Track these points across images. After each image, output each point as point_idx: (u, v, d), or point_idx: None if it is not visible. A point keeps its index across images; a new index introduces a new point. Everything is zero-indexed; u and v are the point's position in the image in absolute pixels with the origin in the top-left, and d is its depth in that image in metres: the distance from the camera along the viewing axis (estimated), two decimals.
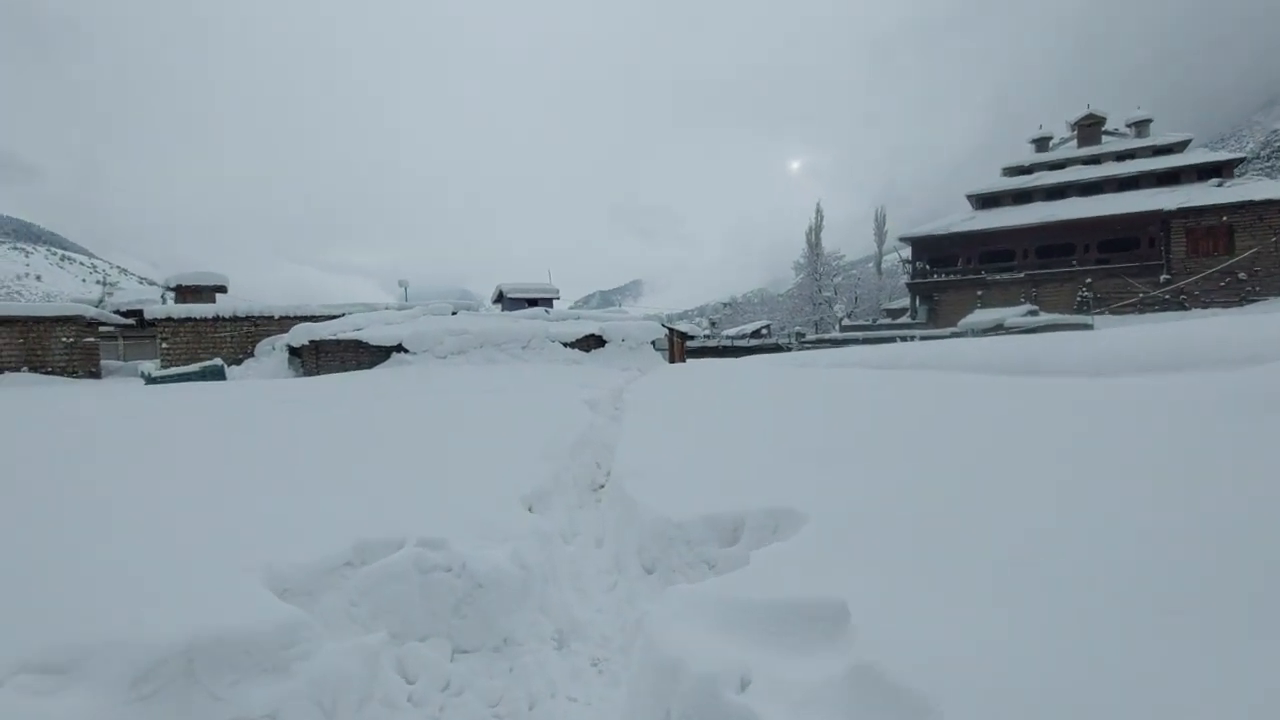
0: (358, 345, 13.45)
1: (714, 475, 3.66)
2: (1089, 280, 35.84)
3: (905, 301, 52.93)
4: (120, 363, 26.31)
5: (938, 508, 2.54)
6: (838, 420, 4.68)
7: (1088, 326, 32.08)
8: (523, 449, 4.46)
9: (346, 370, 13.11)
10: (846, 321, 46.75)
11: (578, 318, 17.80)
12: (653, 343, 17.66)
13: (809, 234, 55.62)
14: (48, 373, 20.58)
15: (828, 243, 55.05)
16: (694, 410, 6.07)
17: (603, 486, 4.54)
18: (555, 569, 3.27)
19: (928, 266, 41.22)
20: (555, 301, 26.68)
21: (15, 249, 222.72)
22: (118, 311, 25.00)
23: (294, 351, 15.35)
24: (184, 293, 24.61)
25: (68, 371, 20.71)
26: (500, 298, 27.02)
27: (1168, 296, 34.12)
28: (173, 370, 15.95)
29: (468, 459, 4.30)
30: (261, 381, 13.37)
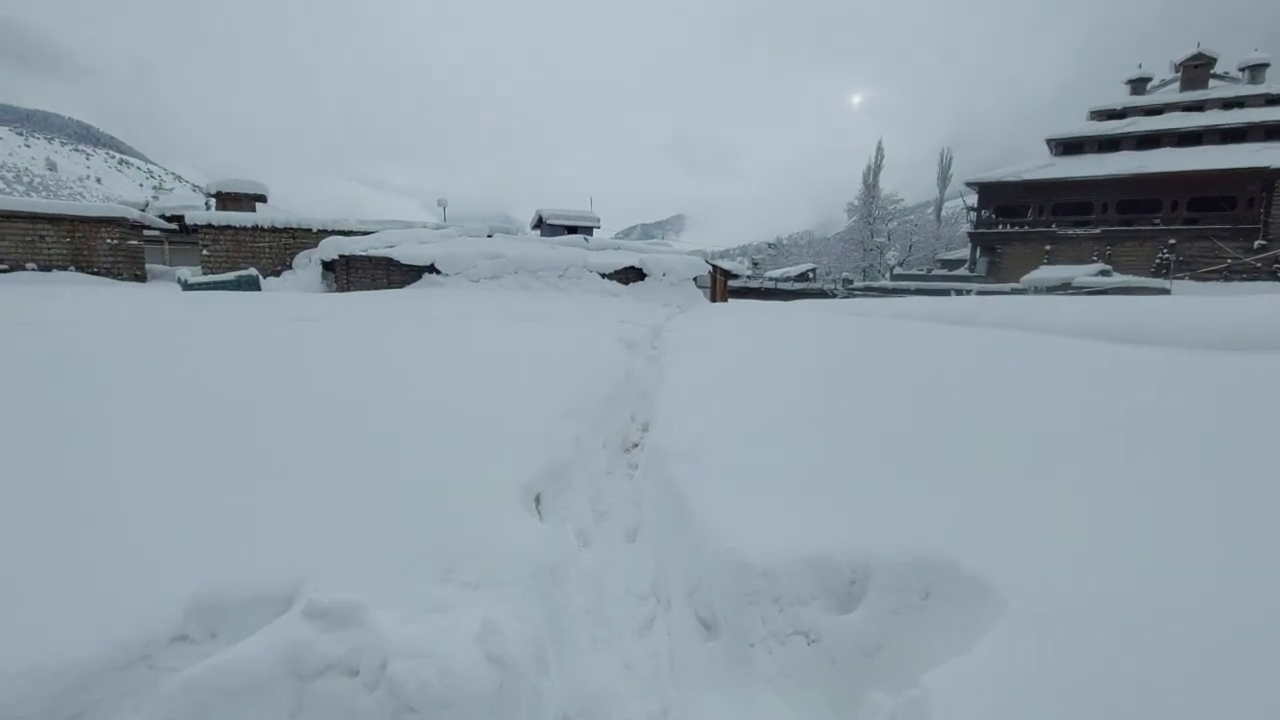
0: (389, 263, 12.98)
1: (796, 466, 2.58)
2: (1172, 241, 32.95)
3: (963, 253, 50.08)
4: (165, 267, 26.45)
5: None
6: (947, 394, 3.55)
7: (1165, 292, 29.74)
8: (544, 400, 3.67)
9: (377, 288, 12.71)
10: (899, 270, 44.57)
11: (617, 248, 16.96)
12: (694, 279, 16.78)
13: (866, 174, 52.71)
14: (94, 273, 20.85)
15: (886, 185, 52.14)
16: (748, 361, 5.33)
17: (637, 445, 3.89)
18: (564, 627, 2.12)
19: (994, 216, 38.53)
20: (596, 230, 25.77)
21: (77, 150, 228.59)
22: (163, 216, 25.09)
23: (327, 266, 14.99)
24: (225, 200, 24.46)
25: (113, 273, 20.93)
26: (539, 223, 26.21)
27: (1259, 265, 31.24)
28: (209, 278, 15.85)
29: (471, 414, 3.34)
30: (292, 294, 13.10)
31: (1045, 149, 39.38)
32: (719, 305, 15.79)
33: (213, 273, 20.81)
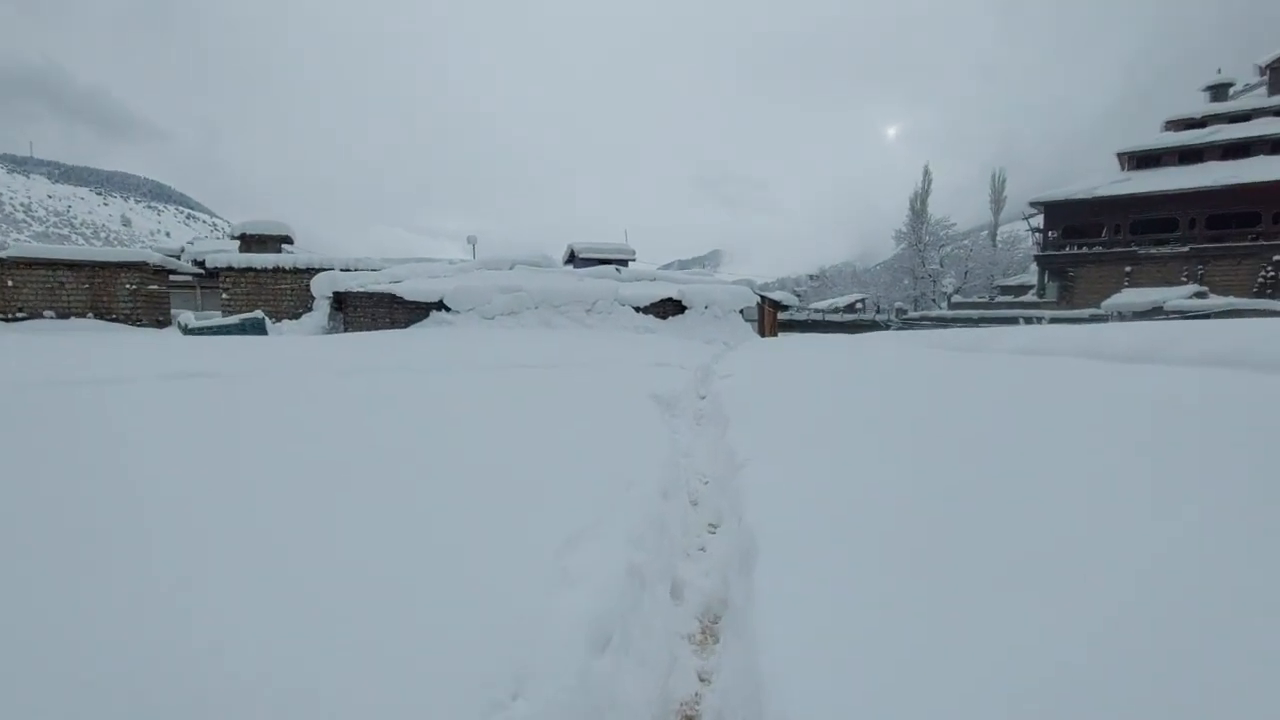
0: (392, 300, 11.48)
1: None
2: (1277, 258, 29.43)
3: (1025, 279, 46.76)
4: (196, 312, 25.74)
5: None
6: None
7: (1276, 314, 26.24)
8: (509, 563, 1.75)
9: (379, 327, 11.23)
10: (957, 298, 41.67)
11: (653, 279, 15.20)
12: (741, 311, 14.81)
13: (914, 200, 50.50)
14: (112, 319, 20.15)
15: (934, 211, 49.64)
16: (858, 430, 3.33)
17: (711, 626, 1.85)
18: None
19: (1060, 237, 35.51)
20: (631, 263, 24.22)
21: (150, 207, 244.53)
22: (195, 262, 24.66)
23: (337, 306, 13.68)
24: (249, 241, 23.85)
25: (132, 319, 20.20)
26: (572, 258, 24.82)
27: None
28: (211, 322, 14.73)
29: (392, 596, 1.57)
30: (292, 338, 11.72)
31: (1103, 168, 36.41)
32: (771, 340, 13.75)
33: (235, 314, 19.76)
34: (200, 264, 23.59)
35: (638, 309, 13.24)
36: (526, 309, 11.66)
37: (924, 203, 50.12)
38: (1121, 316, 29.72)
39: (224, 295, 22.39)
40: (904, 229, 50.25)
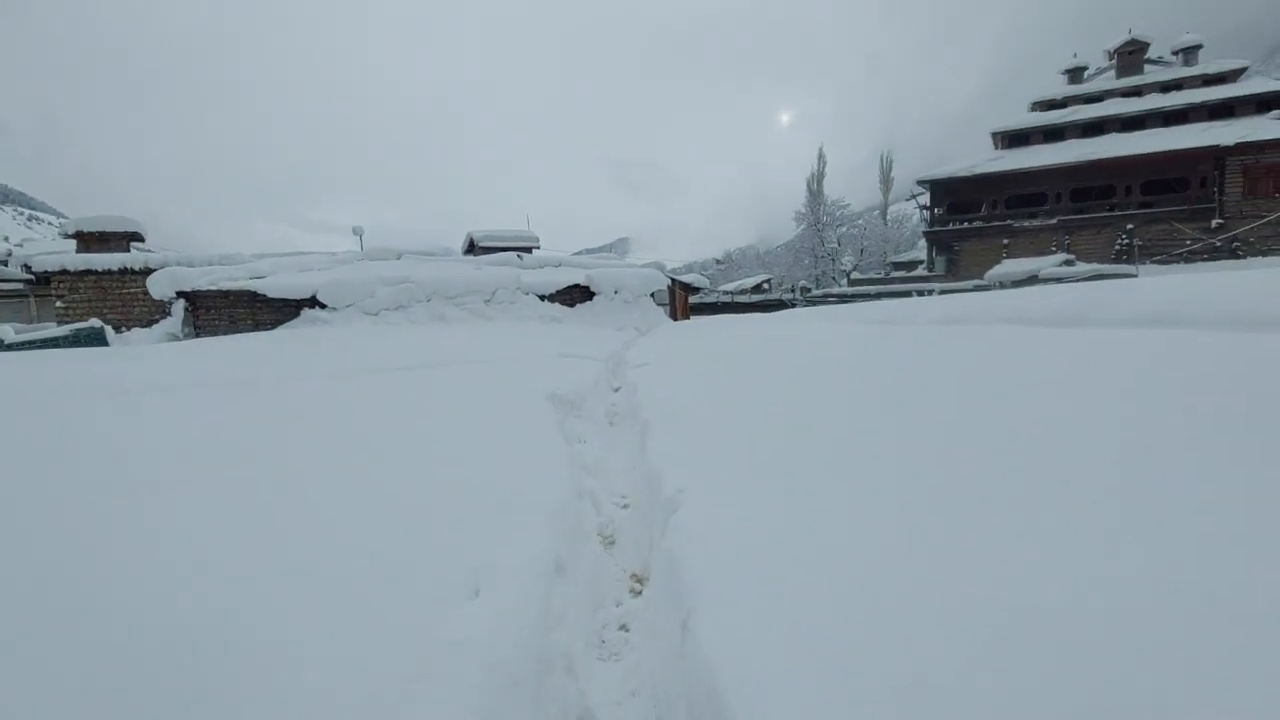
0: (253, 298, 9.89)
1: None
2: (1130, 226, 32.37)
3: (915, 254, 49.34)
4: (16, 325, 22.13)
5: None
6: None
7: (1132, 277, 28.83)
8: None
9: (239, 330, 9.63)
10: (856, 275, 43.31)
11: (558, 265, 14.24)
12: (652, 295, 14.16)
13: (810, 181, 52.16)
14: None
15: (829, 193, 51.46)
16: (797, 423, 2.66)
17: None
18: None
19: (946, 213, 37.52)
20: (535, 251, 23.07)
21: None
22: (26, 267, 21.11)
23: (190, 309, 11.79)
24: (87, 240, 20.63)
25: None
26: (471, 248, 23.32)
27: (1219, 244, 30.77)
28: (34, 334, 12.40)
29: None
30: (131, 349, 9.86)
31: (979, 151, 38.79)
32: (685, 324, 13.20)
33: (73, 323, 16.94)
34: (29, 269, 20.18)
35: (543, 297, 12.28)
36: (416, 302, 10.41)
37: (820, 184, 51.83)
38: (1002, 286, 31.75)
39: (58, 304, 19.19)
40: (803, 210, 51.74)
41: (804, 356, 5.06)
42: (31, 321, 22.60)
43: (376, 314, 10.05)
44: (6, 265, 23.94)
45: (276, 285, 9.85)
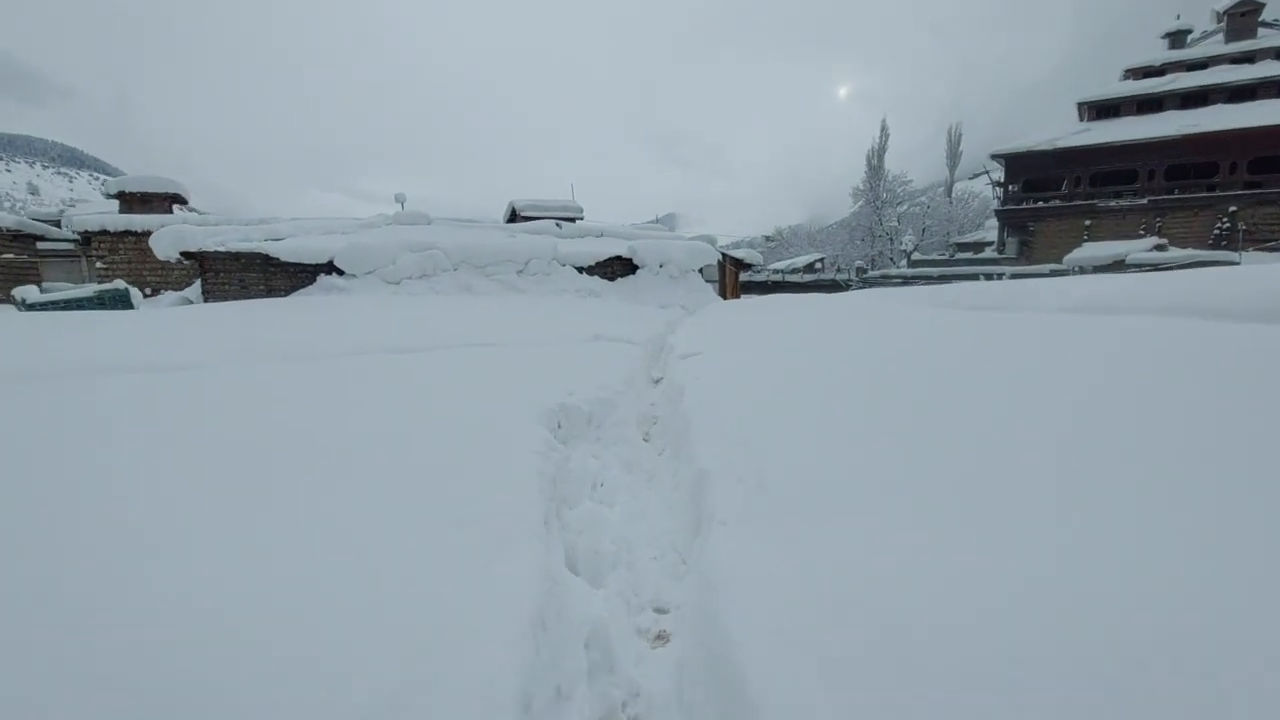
0: (265, 262, 9.13)
1: None
2: (1233, 209, 29.15)
3: (981, 235, 46.29)
4: (70, 286, 22.43)
5: None
6: None
7: (1234, 264, 25.97)
8: None
9: (251, 295, 8.91)
10: (917, 255, 40.84)
11: (600, 234, 13.14)
12: (700, 270, 12.95)
13: (870, 156, 49.50)
14: None
15: (889, 169, 48.64)
16: (923, 464, 1.56)
17: None
18: None
19: (1021, 191, 34.68)
20: (579, 221, 22.01)
21: (60, 173, 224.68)
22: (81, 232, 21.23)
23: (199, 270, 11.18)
24: (129, 200, 20.61)
25: None
26: (514, 217, 22.43)
27: None
28: (60, 295, 12.07)
29: None
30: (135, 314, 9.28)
31: (1059, 124, 35.53)
32: (736, 303, 11.96)
33: (112, 284, 16.77)
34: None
35: (580, 269, 11.22)
36: (442, 271, 9.51)
37: (881, 159, 49.10)
38: (1083, 271, 29.14)
39: (98, 264, 19.23)
40: (861, 186, 49.13)
41: (907, 352, 3.87)
42: (82, 281, 22.85)
43: (398, 283, 9.18)
44: (59, 226, 24.28)
45: (291, 249, 9.07)
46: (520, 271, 10.26)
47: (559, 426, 2.54)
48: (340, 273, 9.21)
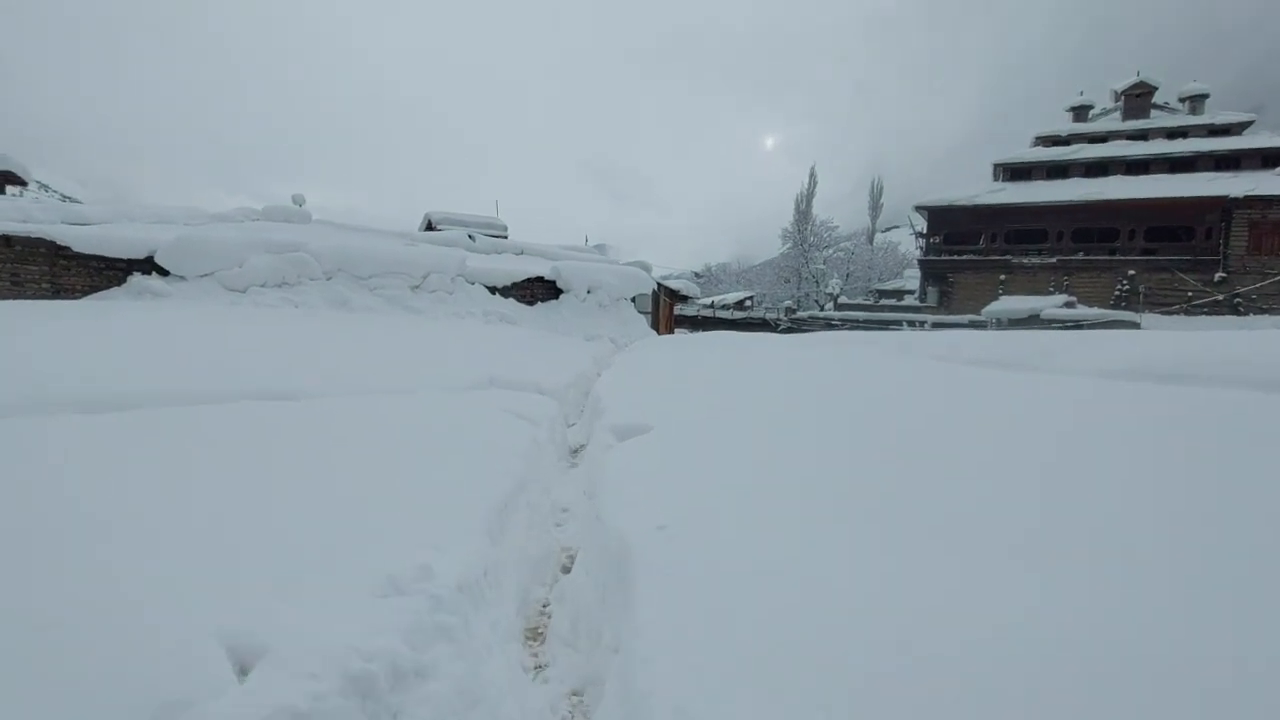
0: (54, 252, 6.76)
1: None
2: (1131, 272, 30.97)
3: (900, 283, 47.73)
4: None
5: None
6: None
7: (1135, 325, 27.27)
8: None
9: (25, 296, 6.50)
10: (842, 299, 41.36)
11: (519, 251, 11.37)
12: (633, 300, 11.40)
13: (799, 200, 50.67)
14: None
15: (817, 214, 49.99)
16: None
17: None
18: None
19: (942, 243, 35.76)
20: (501, 240, 20.13)
21: None
22: None
23: None
24: None
25: None
26: (429, 230, 20.28)
27: (1221, 298, 29.51)
28: None
29: None
30: None
31: (973, 183, 37.25)
32: (673, 340, 10.44)
33: None
34: None
35: (493, 289, 9.39)
36: (309, 279, 7.44)
37: (809, 204, 50.26)
38: (999, 324, 29.97)
39: None
40: (790, 228, 50.01)
41: (942, 437, 2.36)
42: None
43: (244, 290, 7.04)
44: None
45: (93, 238, 6.74)
46: (416, 287, 8.34)
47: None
48: (165, 273, 6.97)
